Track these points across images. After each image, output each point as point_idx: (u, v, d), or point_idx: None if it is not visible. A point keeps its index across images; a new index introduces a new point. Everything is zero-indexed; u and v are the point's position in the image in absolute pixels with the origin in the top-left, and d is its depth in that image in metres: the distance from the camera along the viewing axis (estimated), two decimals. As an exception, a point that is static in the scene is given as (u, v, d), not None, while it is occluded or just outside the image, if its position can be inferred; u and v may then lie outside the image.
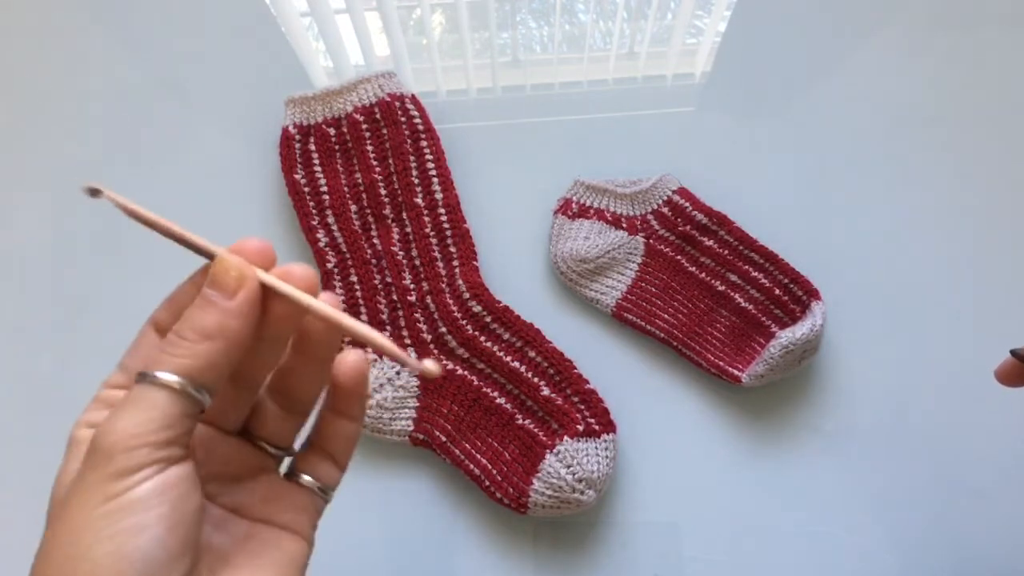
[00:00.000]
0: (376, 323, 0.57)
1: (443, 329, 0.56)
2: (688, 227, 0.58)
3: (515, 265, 0.59)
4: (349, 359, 0.30)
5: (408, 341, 0.57)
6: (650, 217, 0.59)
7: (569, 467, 0.51)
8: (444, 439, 0.54)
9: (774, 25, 0.64)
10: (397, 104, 0.57)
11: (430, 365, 0.26)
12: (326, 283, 0.57)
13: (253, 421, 0.30)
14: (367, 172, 0.57)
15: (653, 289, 0.58)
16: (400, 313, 0.57)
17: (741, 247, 0.57)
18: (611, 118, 0.62)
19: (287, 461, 0.31)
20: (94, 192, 0.28)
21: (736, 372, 0.54)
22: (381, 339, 0.27)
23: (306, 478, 0.30)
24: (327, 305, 0.27)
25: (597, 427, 0.52)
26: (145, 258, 0.61)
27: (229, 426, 0.29)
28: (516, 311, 0.56)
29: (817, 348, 0.54)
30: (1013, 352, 0.39)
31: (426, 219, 0.57)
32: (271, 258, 0.28)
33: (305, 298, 0.27)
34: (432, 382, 0.56)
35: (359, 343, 0.32)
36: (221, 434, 0.29)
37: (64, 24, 0.67)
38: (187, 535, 0.24)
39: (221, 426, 0.29)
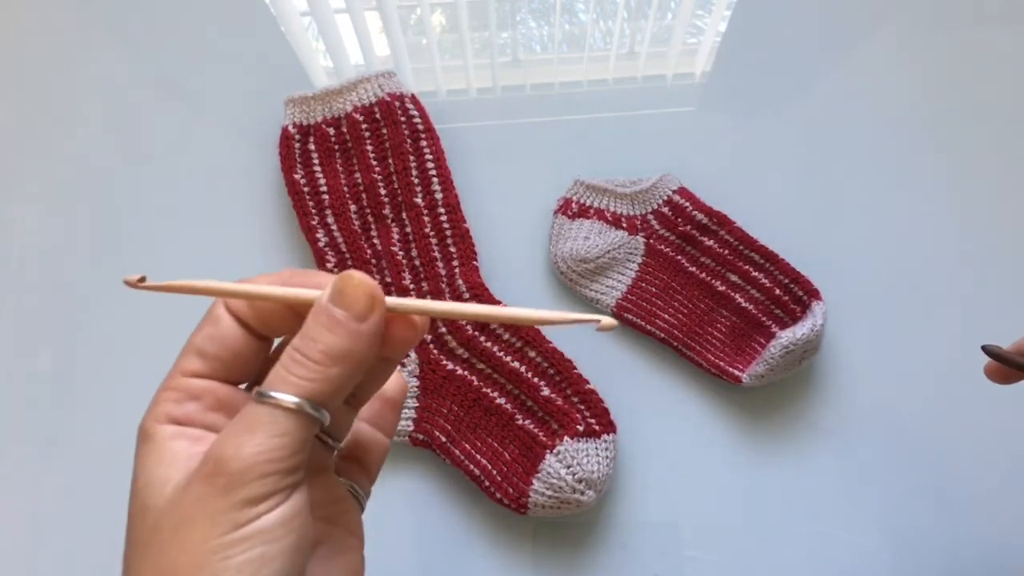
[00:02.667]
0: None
1: (443, 329, 0.56)
2: (688, 227, 0.58)
3: (515, 265, 0.59)
4: (395, 378, 0.30)
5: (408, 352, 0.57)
6: (650, 217, 0.59)
7: (569, 467, 0.51)
8: (444, 439, 0.54)
9: (774, 25, 0.64)
10: (397, 104, 0.57)
11: (608, 321, 0.24)
12: (326, 283, 0.57)
13: None
14: (367, 172, 0.57)
15: (653, 289, 0.58)
16: (400, 313, 0.57)
17: (741, 247, 0.57)
18: (611, 118, 0.62)
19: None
20: (138, 282, 0.26)
21: (736, 372, 0.54)
22: (543, 313, 0.25)
23: (345, 482, 0.30)
24: (474, 305, 0.26)
25: (597, 427, 0.52)
26: (145, 258, 0.61)
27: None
28: (516, 311, 0.56)
29: (817, 348, 0.54)
30: (984, 348, 0.39)
31: (426, 219, 0.57)
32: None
33: (436, 305, 0.25)
34: (431, 382, 0.56)
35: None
36: None
37: (64, 24, 0.67)
38: (305, 563, 0.24)
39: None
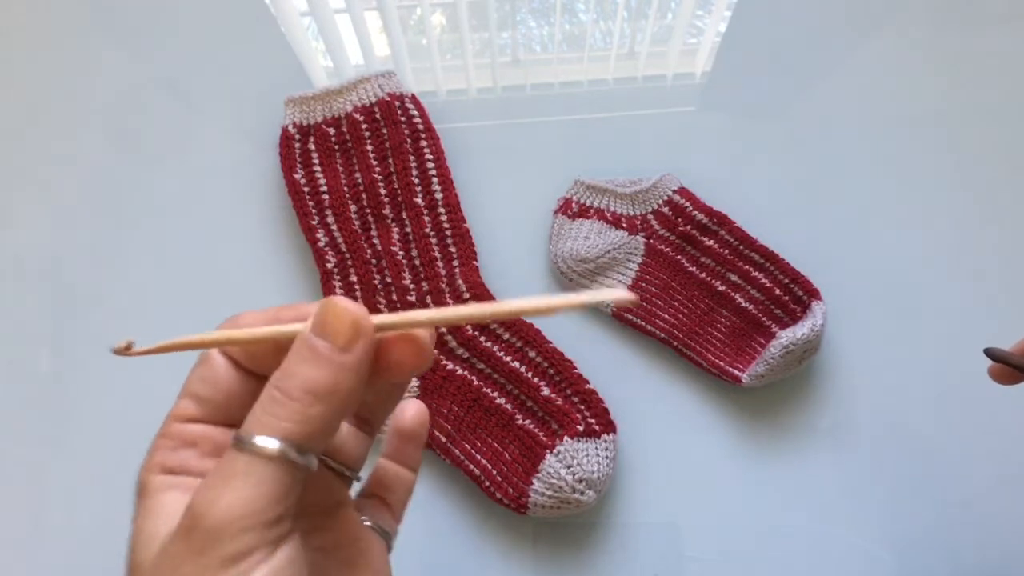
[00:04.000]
0: (376, 323, 0.57)
1: (443, 329, 0.56)
2: (688, 227, 0.58)
3: (515, 265, 0.59)
4: (411, 407, 0.29)
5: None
6: (650, 217, 0.59)
7: (569, 467, 0.51)
8: (444, 439, 0.54)
9: (774, 25, 0.64)
10: (397, 104, 0.57)
11: (624, 294, 0.22)
12: (326, 283, 0.57)
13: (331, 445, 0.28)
14: (367, 172, 0.57)
15: (653, 289, 0.58)
16: (400, 313, 0.57)
17: (741, 247, 0.57)
18: (611, 118, 0.62)
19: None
20: (126, 349, 0.25)
21: (736, 372, 0.54)
22: (554, 300, 0.22)
23: (368, 522, 0.28)
24: (477, 306, 0.23)
25: (597, 427, 0.52)
26: (145, 258, 0.61)
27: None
28: (516, 311, 0.56)
29: (817, 348, 0.54)
30: (987, 352, 0.39)
31: (426, 219, 0.57)
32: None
33: (429, 315, 0.23)
34: (431, 382, 0.56)
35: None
36: None
37: (64, 24, 0.67)
38: None
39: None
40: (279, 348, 0.23)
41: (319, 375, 0.22)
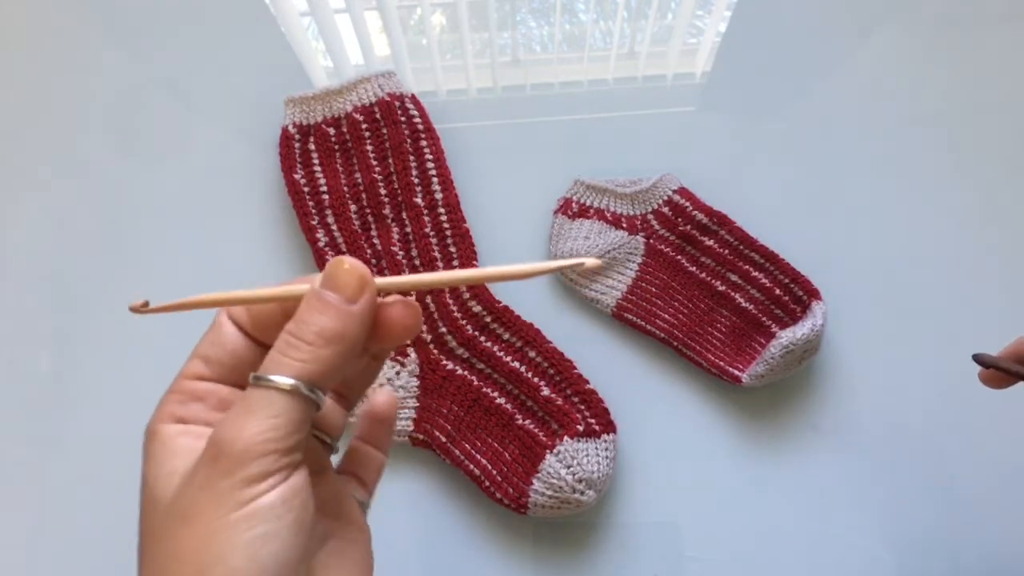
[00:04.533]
0: (376, 323, 0.57)
1: (443, 329, 0.56)
2: (688, 227, 0.58)
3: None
4: (382, 394, 0.32)
5: (407, 340, 0.57)
6: (650, 217, 0.59)
7: (569, 467, 0.51)
8: (444, 439, 0.54)
9: (774, 25, 0.64)
10: (397, 104, 0.57)
11: (592, 262, 0.26)
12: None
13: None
14: (367, 172, 0.57)
15: (653, 289, 0.58)
16: (400, 313, 0.57)
17: (741, 247, 0.57)
18: (611, 118, 0.62)
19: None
20: (142, 307, 0.27)
21: (736, 372, 0.54)
22: (526, 266, 0.26)
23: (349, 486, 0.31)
24: (461, 271, 0.27)
25: (597, 427, 0.52)
26: (145, 258, 0.61)
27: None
28: (516, 311, 0.56)
29: (817, 348, 0.54)
30: (975, 357, 0.40)
31: (426, 219, 0.57)
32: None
33: (424, 278, 0.26)
34: (431, 382, 0.56)
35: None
36: None
37: (64, 24, 0.67)
38: (307, 541, 0.25)
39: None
40: (285, 315, 0.26)
41: (329, 322, 0.25)
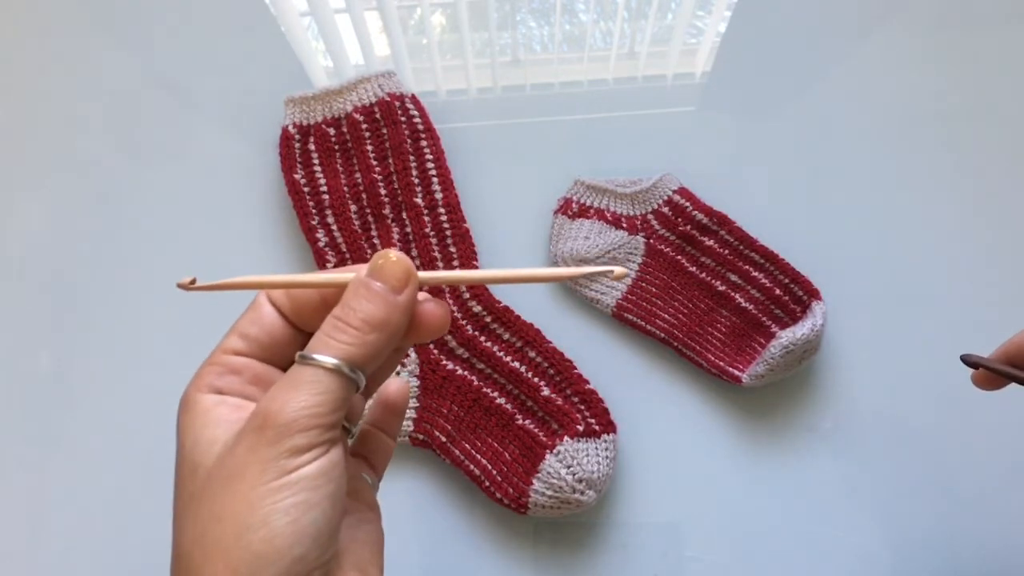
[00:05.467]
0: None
1: (443, 329, 0.56)
2: (688, 227, 0.58)
3: (515, 265, 0.59)
4: (396, 382, 0.34)
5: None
6: (650, 217, 0.59)
7: (569, 467, 0.51)
8: (444, 439, 0.54)
9: (774, 25, 0.64)
10: (397, 104, 0.57)
11: (620, 270, 0.27)
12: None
13: None
14: (367, 172, 0.57)
15: (653, 289, 0.58)
16: (400, 313, 0.57)
17: (741, 247, 0.57)
18: (611, 118, 0.62)
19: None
20: (190, 284, 0.28)
21: (736, 372, 0.54)
22: (554, 271, 0.29)
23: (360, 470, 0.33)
24: (494, 271, 0.29)
25: (597, 427, 0.52)
26: (145, 258, 0.61)
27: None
28: (516, 311, 0.56)
29: (817, 348, 0.54)
30: (963, 358, 0.40)
31: (426, 219, 0.57)
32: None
33: (463, 274, 0.29)
34: (431, 382, 0.56)
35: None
36: None
37: (64, 24, 0.67)
38: (342, 514, 0.26)
39: None
40: (323, 302, 0.28)
41: (375, 310, 0.26)
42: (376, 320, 0.26)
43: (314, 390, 0.25)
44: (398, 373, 0.57)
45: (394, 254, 0.27)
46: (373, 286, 0.26)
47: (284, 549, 0.23)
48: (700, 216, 0.57)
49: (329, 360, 0.25)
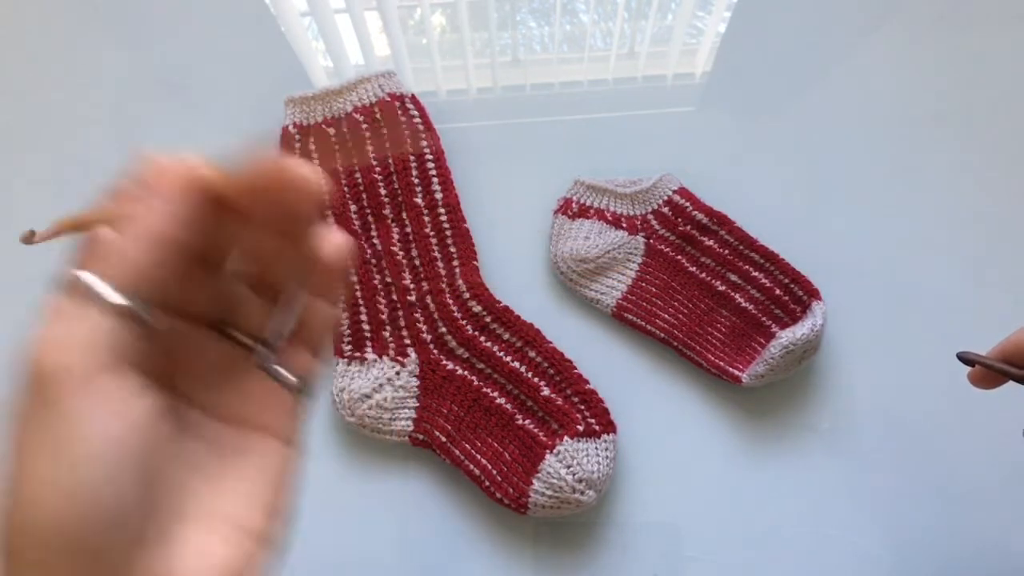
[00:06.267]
0: (376, 323, 0.57)
1: (443, 329, 0.56)
2: (688, 227, 0.58)
3: (515, 265, 0.59)
4: (333, 237, 0.27)
5: (408, 341, 0.57)
6: (650, 217, 0.59)
7: (569, 467, 0.51)
8: (444, 439, 0.54)
9: (774, 25, 0.64)
10: (397, 104, 0.57)
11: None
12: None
13: (225, 310, 0.26)
14: (367, 172, 0.57)
15: (653, 289, 0.58)
16: (400, 313, 0.57)
17: (741, 247, 0.57)
18: (611, 118, 0.62)
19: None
20: (29, 237, 0.24)
21: (736, 372, 0.54)
22: None
23: (283, 372, 0.26)
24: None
25: (597, 427, 0.52)
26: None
27: (199, 314, 0.25)
28: (516, 311, 0.56)
29: (817, 348, 0.54)
30: (959, 356, 0.40)
31: (426, 219, 0.57)
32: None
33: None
34: (431, 382, 0.56)
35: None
36: (191, 325, 0.25)
37: (64, 24, 0.67)
38: (151, 474, 0.21)
39: (190, 314, 0.25)
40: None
41: (145, 221, 0.22)
42: (146, 233, 0.22)
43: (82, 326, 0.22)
44: (398, 374, 0.57)
45: (160, 157, 0.23)
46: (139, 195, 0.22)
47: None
48: (700, 216, 0.57)
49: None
